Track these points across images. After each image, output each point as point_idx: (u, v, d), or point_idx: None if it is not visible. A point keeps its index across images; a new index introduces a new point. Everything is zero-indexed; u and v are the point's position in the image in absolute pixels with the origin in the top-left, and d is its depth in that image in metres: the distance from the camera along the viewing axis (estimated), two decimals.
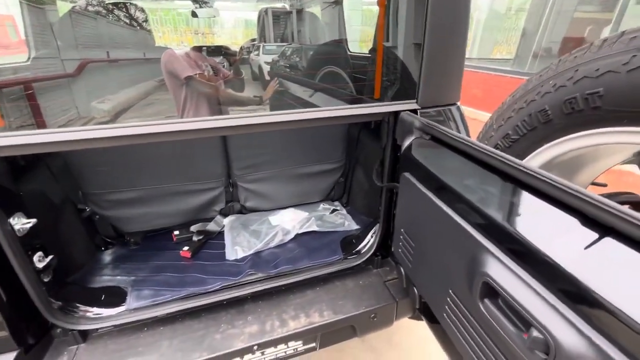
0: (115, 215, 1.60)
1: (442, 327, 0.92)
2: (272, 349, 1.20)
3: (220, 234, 1.72)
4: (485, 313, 0.68)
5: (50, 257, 1.09)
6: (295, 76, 1.96)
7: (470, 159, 0.86)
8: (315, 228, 1.72)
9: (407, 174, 1.09)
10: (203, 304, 1.23)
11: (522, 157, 0.90)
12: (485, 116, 1.22)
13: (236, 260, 1.52)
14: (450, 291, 0.83)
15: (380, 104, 1.19)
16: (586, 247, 0.52)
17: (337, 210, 1.90)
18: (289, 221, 1.75)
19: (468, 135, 1.22)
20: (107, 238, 1.63)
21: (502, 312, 0.65)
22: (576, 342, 0.48)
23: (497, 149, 1.00)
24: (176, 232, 1.68)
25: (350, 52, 1.99)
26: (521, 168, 0.67)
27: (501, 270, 0.64)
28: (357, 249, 1.53)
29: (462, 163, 0.89)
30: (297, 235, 1.68)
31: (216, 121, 1.00)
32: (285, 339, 1.19)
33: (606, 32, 4.20)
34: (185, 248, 1.56)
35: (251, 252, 1.55)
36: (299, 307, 1.29)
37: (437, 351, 0.90)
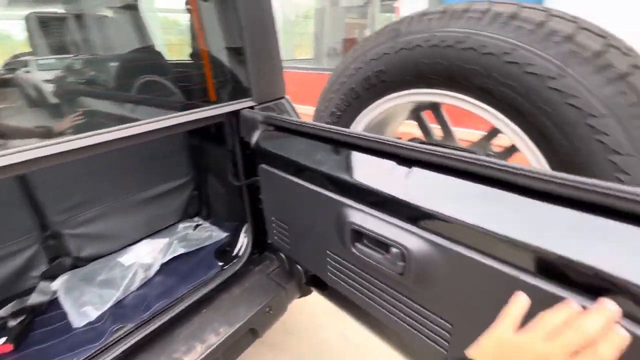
0: None
1: (330, 287, 1.05)
2: None
3: (52, 304, 1.32)
4: (358, 253, 0.82)
5: None
6: (103, 91, 1.68)
7: (311, 137, 1.00)
8: (181, 251, 1.55)
9: (264, 166, 1.15)
10: None
11: (348, 126, 1.11)
12: (301, 108, 1.43)
13: (90, 323, 1.22)
14: (328, 252, 0.96)
15: (219, 105, 1.19)
16: (400, 180, 0.72)
17: (199, 225, 1.78)
18: (147, 254, 1.51)
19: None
20: None
21: (369, 247, 0.80)
22: (418, 243, 0.67)
23: (327, 124, 1.19)
24: None
25: (168, 58, 1.85)
26: (350, 134, 0.84)
27: (361, 215, 0.80)
28: (234, 254, 1.49)
29: (306, 143, 1.01)
30: (163, 266, 1.48)
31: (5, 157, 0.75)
32: None
33: (367, 33, 5.81)
34: (1, 340, 1.12)
35: (109, 305, 1.27)
36: (190, 337, 1.15)
37: (326, 321, 1.02)
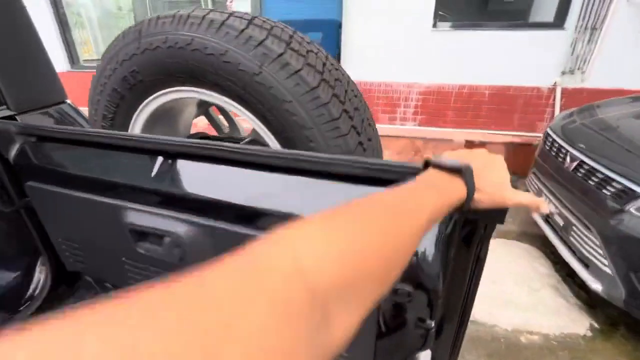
0: None
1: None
2: None
3: None
4: (143, 251, 0.87)
5: None
6: None
7: (82, 144, 0.93)
8: None
9: (31, 183, 1.00)
10: None
11: (126, 127, 1.08)
12: None
13: None
14: (124, 259, 0.97)
15: None
16: (170, 175, 0.80)
17: None
18: None
19: (89, 125, 1.26)
20: None
21: (150, 242, 0.85)
22: (189, 228, 0.77)
23: (104, 128, 1.13)
24: None
25: None
26: (115, 135, 0.85)
27: (135, 215, 0.84)
28: (27, 295, 1.27)
29: (78, 151, 0.95)
30: None
31: None
32: None
33: None
34: None
35: None
36: None
37: None
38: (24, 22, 1.12)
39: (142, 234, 0.85)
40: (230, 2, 6.23)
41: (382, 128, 3.90)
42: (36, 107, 1.15)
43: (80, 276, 1.31)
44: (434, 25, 3.70)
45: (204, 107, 1.29)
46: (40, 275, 1.29)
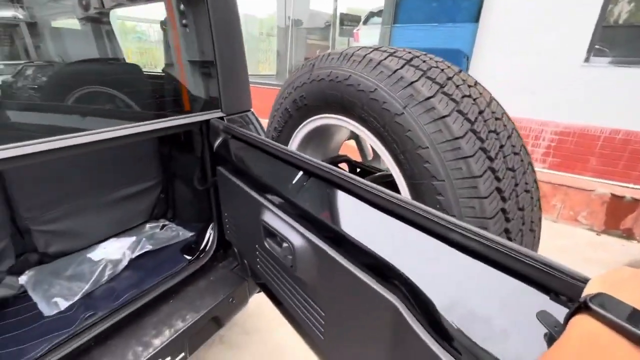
0: None
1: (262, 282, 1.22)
2: None
3: (20, 298, 1.42)
4: (268, 246, 0.98)
5: None
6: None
7: (253, 147, 1.17)
8: (149, 248, 1.70)
9: (220, 168, 1.33)
10: None
11: (287, 140, 1.28)
12: (264, 122, 1.63)
13: (60, 312, 1.36)
14: (257, 246, 1.13)
15: (193, 114, 1.36)
16: (300, 189, 0.88)
17: (166, 225, 1.93)
18: (116, 250, 1.67)
19: (264, 132, 1.56)
20: None
21: (274, 241, 0.97)
22: (301, 241, 0.82)
23: (273, 137, 1.36)
24: None
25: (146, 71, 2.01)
26: (272, 145, 1.01)
27: (268, 214, 0.97)
28: (200, 250, 1.63)
29: (248, 151, 1.19)
30: (131, 261, 1.62)
31: None
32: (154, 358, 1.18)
33: None
34: None
35: (78, 297, 1.42)
36: (159, 323, 1.28)
37: (284, 322, 1.17)
38: (238, 39, 1.44)
39: (270, 233, 0.97)
40: (357, 30, 6.45)
41: None
42: (235, 112, 1.50)
43: (231, 246, 1.63)
44: (586, 60, 3.28)
45: (355, 133, 1.38)
46: (210, 236, 1.67)
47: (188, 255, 1.66)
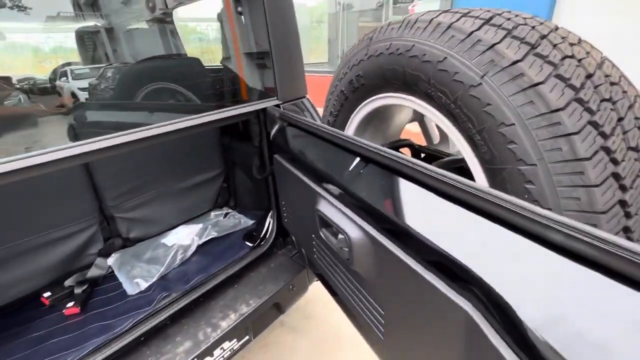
0: None
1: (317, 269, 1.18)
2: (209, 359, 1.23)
3: (107, 278, 1.60)
4: (324, 237, 0.93)
5: None
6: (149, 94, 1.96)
7: (310, 133, 1.11)
8: (214, 234, 1.79)
9: (276, 156, 1.32)
10: (118, 349, 1.18)
11: (344, 125, 1.20)
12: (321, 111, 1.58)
13: (141, 292, 1.50)
14: (313, 236, 1.08)
15: (251, 103, 1.37)
16: (359, 177, 0.80)
17: (229, 213, 2.01)
18: (186, 236, 1.79)
19: (319, 118, 1.52)
20: None
21: (330, 232, 0.91)
22: (358, 233, 0.75)
23: (329, 123, 1.29)
24: (47, 294, 1.45)
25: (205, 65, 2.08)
26: (329, 131, 0.93)
27: (324, 204, 0.91)
28: (260, 237, 1.67)
29: (304, 138, 1.14)
30: (199, 247, 1.73)
31: (73, 148, 0.93)
32: (220, 341, 1.24)
33: None
34: (70, 304, 1.41)
35: (155, 279, 1.55)
36: (225, 307, 1.35)
37: (339, 311, 1.15)
38: (293, 28, 1.41)
39: (325, 223, 0.92)
40: (413, 5, 5.76)
41: None
42: (291, 99, 1.47)
43: (289, 234, 1.63)
44: None
45: (419, 114, 1.24)
46: (269, 224, 1.69)
47: (250, 242, 1.70)
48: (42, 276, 1.53)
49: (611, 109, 0.55)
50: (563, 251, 0.42)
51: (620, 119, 0.56)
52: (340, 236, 0.80)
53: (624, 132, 0.55)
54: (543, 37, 0.62)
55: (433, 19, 0.74)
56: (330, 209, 0.87)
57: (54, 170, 0.93)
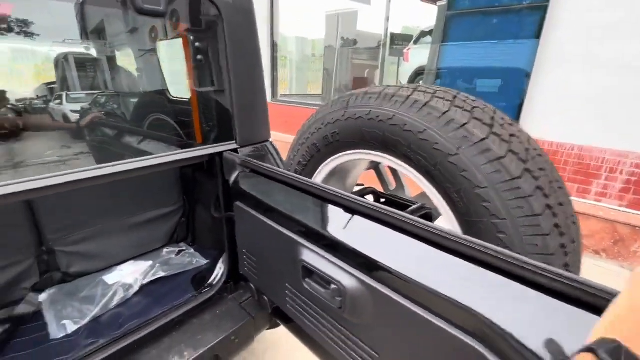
0: None
1: (292, 319, 1.10)
2: None
3: (37, 315, 1.34)
4: (308, 288, 0.88)
5: None
6: (117, 123, 1.82)
7: (280, 182, 1.10)
8: (161, 274, 1.58)
9: (238, 203, 1.23)
10: None
11: (311, 174, 1.23)
12: None
13: (67, 336, 1.23)
14: (287, 284, 1.02)
15: (206, 146, 1.26)
16: (344, 227, 0.82)
17: (183, 250, 1.82)
18: (130, 275, 1.55)
19: (283, 163, 1.50)
20: None
21: (316, 282, 0.87)
22: (353, 283, 0.74)
23: (296, 171, 1.31)
24: None
25: (173, 97, 2.00)
26: (308, 183, 0.95)
27: (309, 254, 0.88)
28: (209, 281, 1.51)
29: (275, 187, 1.11)
30: (143, 287, 1.51)
31: (16, 185, 0.83)
32: None
33: (377, 74, 5.86)
34: None
35: (86, 320, 1.29)
36: (157, 357, 1.15)
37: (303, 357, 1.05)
38: (258, 71, 1.32)
39: (310, 272, 0.88)
40: (408, 49, 6.39)
41: None
42: (251, 143, 1.35)
43: (245, 280, 1.51)
44: None
45: (375, 164, 1.33)
46: (220, 269, 1.55)
47: (198, 285, 1.54)
48: None
49: (544, 175, 0.69)
50: (531, 284, 0.48)
51: (551, 182, 0.69)
52: (333, 286, 0.78)
53: (555, 192, 0.68)
54: (492, 118, 0.76)
55: (409, 95, 0.86)
56: (318, 259, 0.84)
57: None
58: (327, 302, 0.83)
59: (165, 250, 1.81)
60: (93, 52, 2.01)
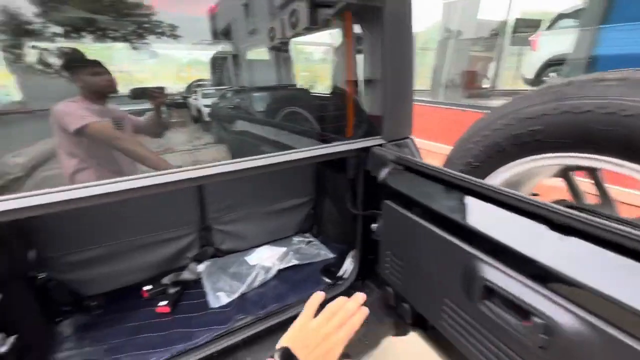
0: (76, 278, 1.31)
1: (439, 332, 0.96)
2: None
3: (196, 283, 1.53)
4: (486, 312, 0.73)
5: (13, 337, 0.87)
6: (253, 117, 1.97)
7: (443, 183, 0.95)
8: (295, 262, 1.64)
9: (388, 202, 1.13)
10: None
11: (484, 178, 1.04)
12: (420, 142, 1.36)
13: (221, 307, 1.36)
14: (445, 299, 0.89)
15: (354, 141, 1.23)
16: (559, 245, 0.63)
17: (311, 241, 1.86)
18: (268, 258, 1.65)
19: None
20: (64, 306, 1.34)
21: (502, 308, 0.71)
22: (569, 320, 0.56)
23: (461, 172, 1.12)
24: (147, 287, 1.43)
25: (312, 93, 2.06)
26: (491, 188, 0.77)
27: (497, 274, 0.72)
28: (338, 275, 1.51)
29: (435, 188, 0.97)
30: (279, 271, 1.59)
31: (192, 171, 0.94)
32: None
33: (492, 67, 5.10)
34: (162, 303, 1.34)
35: (236, 295, 1.41)
36: None
37: None
38: (410, 62, 1.23)
39: (497, 295, 0.72)
40: (536, 36, 5.27)
41: None
42: (394, 139, 1.29)
43: (371, 277, 1.43)
44: None
45: (564, 171, 1.05)
46: (350, 264, 1.51)
47: (328, 278, 1.53)
48: (145, 271, 1.51)
49: None
50: None
51: None
52: (536, 319, 0.61)
53: None
54: None
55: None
56: (513, 283, 0.68)
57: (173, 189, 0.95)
58: (516, 335, 0.67)
59: (295, 238, 1.88)
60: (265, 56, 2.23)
